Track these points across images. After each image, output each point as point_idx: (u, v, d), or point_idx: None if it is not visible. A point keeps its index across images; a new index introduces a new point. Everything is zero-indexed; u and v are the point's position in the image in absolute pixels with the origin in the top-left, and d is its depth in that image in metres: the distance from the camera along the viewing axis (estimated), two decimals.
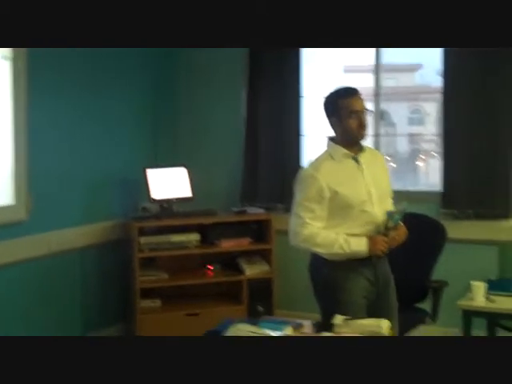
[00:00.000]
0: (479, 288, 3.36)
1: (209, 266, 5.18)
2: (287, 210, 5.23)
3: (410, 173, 6.02)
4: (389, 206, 3.29)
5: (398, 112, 5.75)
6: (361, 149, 3.24)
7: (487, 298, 3.38)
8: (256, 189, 5.38)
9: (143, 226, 4.86)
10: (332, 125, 3.23)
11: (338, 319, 2.93)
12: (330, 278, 3.23)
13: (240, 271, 5.05)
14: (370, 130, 3.35)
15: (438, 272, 4.05)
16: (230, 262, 5.17)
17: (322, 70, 5.35)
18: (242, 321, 2.90)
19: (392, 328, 3.17)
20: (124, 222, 5.07)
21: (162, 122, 5.61)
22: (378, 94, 5.13)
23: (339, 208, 3.15)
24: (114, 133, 5.18)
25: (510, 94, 4.55)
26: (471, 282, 3.42)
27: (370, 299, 3.24)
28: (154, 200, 5.01)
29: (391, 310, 3.29)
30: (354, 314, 3.02)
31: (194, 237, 4.95)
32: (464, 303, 3.38)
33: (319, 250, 3.18)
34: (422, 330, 3.90)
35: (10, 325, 4.36)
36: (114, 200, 5.20)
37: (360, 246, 3.12)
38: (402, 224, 3.23)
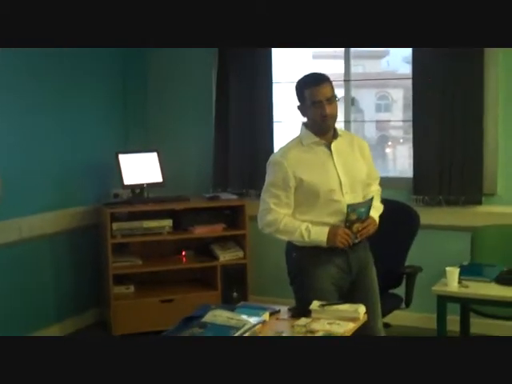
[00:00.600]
0: (453, 273, 3.38)
1: (182, 252, 5.17)
2: (260, 195, 5.28)
3: (378, 159, 6.05)
4: (365, 193, 3.27)
5: (366, 99, 5.75)
6: (335, 136, 3.21)
7: (460, 284, 3.40)
8: (227, 175, 5.35)
9: (115, 211, 4.82)
10: (302, 113, 3.24)
11: (315, 305, 2.96)
12: (300, 264, 3.25)
13: (214, 257, 5.04)
14: (340, 117, 3.32)
15: (412, 258, 4.08)
16: (203, 248, 5.16)
17: (292, 55, 5.32)
18: (218, 307, 2.91)
19: (373, 312, 3.22)
20: (96, 207, 5.03)
21: (133, 107, 5.57)
22: (348, 80, 5.13)
23: (306, 196, 3.15)
24: (86, 118, 5.12)
25: (479, 80, 4.58)
26: (446, 268, 3.44)
27: (341, 286, 3.24)
28: (126, 185, 4.97)
29: (370, 294, 3.29)
30: (321, 300, 3.02)
31: (167, 223, 4.93)
32: (438, 288, 3.41)
33: (281, 236, 3.20)
34: (396, 316, 3.94)
35: None
36: (86, 186, 5.15)
37: (320, 235, 3.12)
38: (373, 217, 3.22)
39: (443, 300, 3.40)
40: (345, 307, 2.91)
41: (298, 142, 3.24)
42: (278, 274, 5.21)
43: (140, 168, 5.09)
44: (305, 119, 3.27)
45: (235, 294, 4.99)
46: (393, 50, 5.53)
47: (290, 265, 3.34)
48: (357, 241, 3.18)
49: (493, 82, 4.61)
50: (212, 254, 5.07)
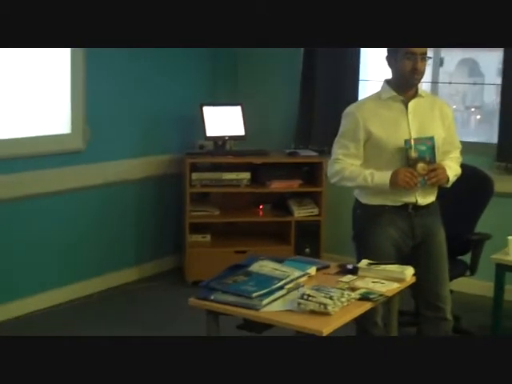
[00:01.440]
0: None
1: (260, 206, 5.26)
2: None
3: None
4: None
5: (488, 62, 5.49)
6: (415, 95, 3.17)
7: None
8: (310, 131, 5.37)
9: (195, 161, 4.96)
10: (389, 64, 3.18)
11: (363, 263, 2.98)
12: (362, 221, 3.28)
13: (290, 212, 5.11)
14: (426, 77, 3.24)
15: (485, 225, 3.99)
16: (280, 203, 5.23)
17: None
18: (267, 258, 2.97)
19: (437, 278, 3.23)
20: (180, 157, 5.18)
21: (222, 61, 5.64)
22: None
23: (373, 150, 3.14)
24: (175, 69, 5.26)
25: None
26: (508, 237, 3.36)
27: (402, 249, 3.22)
28: (209, 137, 5.09)
29: (433, 260, 3.26)
30: (379, 259, 3.03)
31: (245, 175, 5.02)
32: (497, 257, 3.34)
33: (346, 183, 3.20)
34: (460, 283, 3.89)
35: (65, 252, 4.61)
36: (172, 135, 5.31)
37: (383, 178, 3.08)
38: (442, 164, 3.13)
39: (502, 269, 3.32)
40: (392, 267, 2.91)
41: (376, 96, 3.25)
42: (351, 233, 5.27)
43: (223, 120, 5.18)
44: (388, 76, 3.23)
45: (308, 250, 5.05)
46: None
47: (354, 222, 3.37)
48: (426, 184, 3.11)
49: None
50: (288, 209, 5.14)
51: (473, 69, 5.25)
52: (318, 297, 2.50)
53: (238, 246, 5.03)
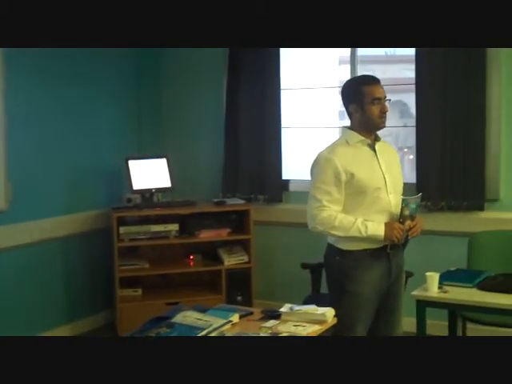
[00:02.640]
0: (433, 278, 3.40)
1: (190, 256, 5.28)
2: (268, 201, 5.37)
3: None
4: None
5: None
6: (377, 138, 3.26)
7: (441, 289, 3.41)
8: (237, 180, 5.44)
9: (122, 215, 4.96)
10: (351, 112, 3.24)
11: (285, 307, 3.02)
12: (343, 267, 3.21)
13: (220, 261, 5.14)
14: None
15: (412, 263, 4.05)
16: (210, 252, 5.26)
17: (299, 60, 5.38)
18: (191, 308, 2.99)
19: (399, 318, 3.33)
20: (106, 211, 5.17)
21: (145, 114, 5.70)
22: None
23: (355, 193, 3.15)
24: (99, 124, 5.28)
25: (481, 86, 4.57)
26: (426, 273, 3.46)
27: (380, 292, 3.24)
28: (135, 190, 5.11)
29: (399, 301, 3.33)
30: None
31: (173, 227, 5.04)
32: (417, 293, 3.43)
33: (336, 233, 3.14)
34: None
35: None
36: (98, 190, 5.30)
37: (377, 230, 3.10)
38: (418, 217, 3.22)
39: (422, 305, 3.41)
40: (313, 310, 2.96)
41: (343, 141, 3.26)
42: (283, 278, 5.33)
43: (149, 173, 5.22)
44: (346, 123, 3.32)
45: (239, 298, 5.07)
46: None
47: (332, 269, 3.30)
48: (408, 239, 3.21)
49: (495, 87, 4.59)
50: (218, 258, 5.17)
51: (404, 110, 5.42)
52: None
53: (170, 298, 5.00)
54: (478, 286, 3.45)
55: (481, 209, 4.65)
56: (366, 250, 3.17)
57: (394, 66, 5.20)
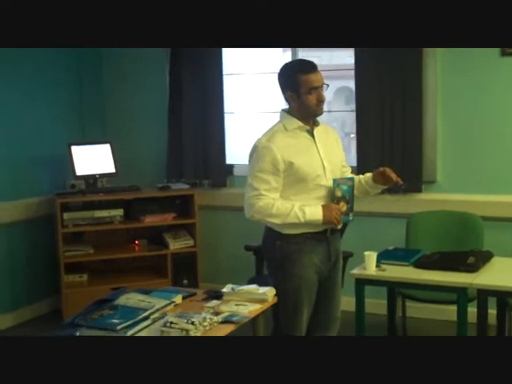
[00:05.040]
0: (371, 257, 3.51)
1: (136, 241, 5.30)
2: (213, 185, 5.42)
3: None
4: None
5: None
6: (315, 123, 3.26)
7: (378, 267, 3.53)
8: (182, 165, 5.47)
9: (66, 201, 4.95)
10: (287, 98, 3.22)
11: (227, 287, 3.09)
12: (284, 251, 3.22)
13: (165, 245, 5.18)
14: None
15: (352, 244, 4.16)
16: (156, 237, 5.29)
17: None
18: (134, 290, 3.03)
19: (337, 302, 3.38)
20: (49, 198, 5.14)
21: (89, 98, 5.67)
22: None
23: (294, 180, 3.15)
24: (43, 111, 5.23)
25: (418, 71, 4.69)
26: (364, 252, 3.57)
27: (322, 275, 3.28)
28: (78, 176, 5.10)
29: (335, 286, 3.37)
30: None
31: (118, 212, 5.05)
32: (355, 272, 3.54)
33: (274, 221, 3.14)
34: None
35: None
36: (41, 176, 5.26)
37: (315, 214, 3.11)
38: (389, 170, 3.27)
39: (361, 283, 3.52)
40: (254, 289, 3.04)
41: (281, 127, 3.22)
42: (227, 261, 5.41)
43: (93, 159, 5.21)
44: (285, 106, 3.30)
45: (186, 282, 5.12)
46: None
47: (273, 253, 3.28)
48: (350, 219, 3.25)
49: (431, 73, 4.73)
50: (164, 242, 5.20)
51: (349, 96, 5.50)
52: (180, 323, 2.59)
53: (116, 283, 4.98)
54: (414, 264, 3.58)
55: (419, 191, 4.80)
56: (306, 234, 3.18)
57: (340, 52, 5.27)
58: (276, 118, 3.31)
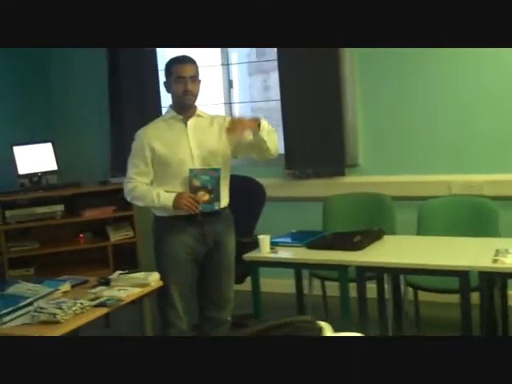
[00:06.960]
0: (264, 240, 3.68)
1: (80, 235, 5.51)
2: None
3: None
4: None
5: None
6: (194, 114, 3.51)
7: (272, 250, 3.69)
8: (125, 161, 5.64)
9: (5, 200, 5.17)
10: (167, 89, 3.55)
11: (115, 274, 3.29)
12: (158, 231, 3.56)
13: (108, 238, 5.39)
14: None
15: (275, 228, 4.29)
16: (100, 230, 5.50)
17: None
18: (26, 280, 3.24)
19: (221, 284, 3.55)
20: None
21: (33, 98, 5.86)
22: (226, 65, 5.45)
23: (159, 165, 3.45)
24: None
25: (336, 61, 4.86)
26: (258, 236, 3.74)
27: (197, 256, 3.51)
28: (21, 175, 5.32)
29: (220, 269, 3.56)
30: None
31: (59, 208, 5.26)
32: (248, 255, 3.70)
33: (138, 203, 3.58)
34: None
35: None
36: None
37: (167, 200, 3.39)
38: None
39: (253, 265, 3.69)
40: (138, 275, 3.24)
41: (160, 118, 3.63)
42: None
43: (35, 158, 5.42)
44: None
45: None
46: None
47: (153, 234, 3.61)
48: (216, 208, 3.41)
49: (348, 61, 4.89)
50: (107, 234, 5.41)
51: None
52: (48, 308, 2.80)
53: (62, 276, 5.22)
54: (306, 244, 3.74)
55: (342, 174, 4.97)
56: (176, 216, 3.43)
57: None
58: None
